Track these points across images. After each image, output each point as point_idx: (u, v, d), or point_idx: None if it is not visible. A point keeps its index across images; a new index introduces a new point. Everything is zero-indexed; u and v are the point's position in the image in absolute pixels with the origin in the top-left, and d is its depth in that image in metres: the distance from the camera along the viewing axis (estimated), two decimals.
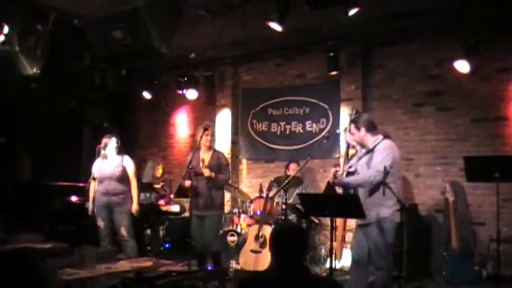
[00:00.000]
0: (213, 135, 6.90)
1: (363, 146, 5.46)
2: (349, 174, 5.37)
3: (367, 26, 7.61)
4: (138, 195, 7.29)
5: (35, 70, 6.92)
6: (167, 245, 8.99)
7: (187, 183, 6.57)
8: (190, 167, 6.61)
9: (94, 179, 7.09)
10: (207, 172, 6.57)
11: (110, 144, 7.09)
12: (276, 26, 6.59)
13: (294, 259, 2.99)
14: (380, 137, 5.38)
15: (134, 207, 7.07)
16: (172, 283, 4.64)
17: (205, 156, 6.75)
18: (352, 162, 5.58)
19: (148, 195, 8.84)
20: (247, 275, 3.45)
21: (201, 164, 6.65)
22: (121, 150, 7.20)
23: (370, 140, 5.36)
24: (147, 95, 10.11)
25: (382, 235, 5.18)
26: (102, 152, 7.07)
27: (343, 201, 5.18)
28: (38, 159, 10.02)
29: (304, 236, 3.14)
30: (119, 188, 7.00)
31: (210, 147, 6.84)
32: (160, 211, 8.86)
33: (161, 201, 8.94)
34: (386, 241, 5.19)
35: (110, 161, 7.08)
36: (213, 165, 6.70)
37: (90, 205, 7.13)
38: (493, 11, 6.87)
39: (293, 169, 8.26)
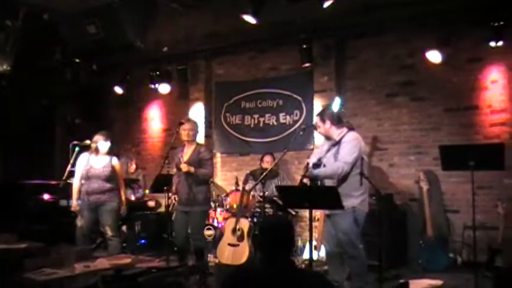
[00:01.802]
0: (193, 129, 6.79)
1: (328, 138, 5.60)
2: (316, 166, 5.42)
3: (341, 18, 7.63)
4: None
5: (5, 67, 6.78)
6: (143, 241, 8.92)
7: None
8: (166, 161, 6.60)
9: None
10: (184, 167, 6.51)
11: (105, 143, 6.97)
12: (250, 19, 6.58)
13: (282, 253, 3.00)
14: (345, 129, 5.53)
15: (124, 207, 7.03)
16: (154, 280, 4.63)
17: (188, 151, 6.73)
18: (318, 154, 5.65)
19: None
20: (233, 269, 3.45)
21: (180, 159, 6.63)
22: (111, 150, 7.10)
23: (336, 132, 5.52)
24: (118, 90, 10.03)
25: (350, 224, 5.32)
26: (93, 145, 6.94)
27: (322, 193, 5.21)
28: (9, 158, 9.83)
29: (293, 230, 3.16)
30: (105, 186, 6.85)
31: (191, 142, 6.79)
32: (135, 207, 8.78)
33: (132, 197, 8.87)
34: (354, 230, 5.33)
35: (99, 160, 6.95)
36: (193, 159, 6.64)
37: (74, 201, 6.95)
38: (465, 2, 6.97)
39: (267, 161, 8.28)
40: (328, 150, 5.47)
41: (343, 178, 5.28)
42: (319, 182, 5.42)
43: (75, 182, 6.99)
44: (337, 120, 5.56)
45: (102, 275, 5.14)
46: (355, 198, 5.29)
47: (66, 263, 5.31)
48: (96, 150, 6.95)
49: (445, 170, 6.07)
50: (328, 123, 5.52)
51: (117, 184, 7.04)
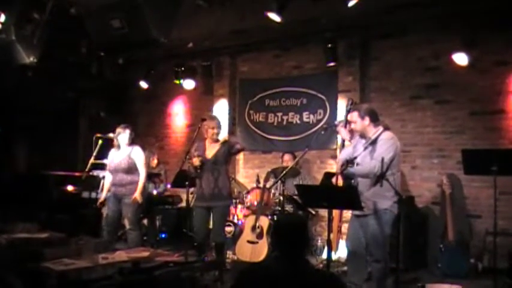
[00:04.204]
0: (219, 127, 6.70)
1: (363, 135, 5.45)
2: (350, 163, 5.33)
3: (366, 18, 7.59)
4: (144, 186, 7.24)
5: (31, 59, 6.86)
6: (163, 235, 9.00)
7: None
8: (187, 157, 6.55)
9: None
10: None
11: (124, 134, 7.06)
12: (275, 17, 6.56)
13: (295, 252, 3.00)
14: (381, 128, 5.37)
15: (136, 195, 7.03)
16: (170, 274, 4.65)
17: (211, 148, 6.62)
18: (349, 152, 5.55)
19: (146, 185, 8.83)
20: (248, 266, 3.44)
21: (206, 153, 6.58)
22: (133, 141, 7.17)
23: (372, 130, 5.34)
24: (144, 84, 10.10)
25: (381, 226, 5.20)
26: (115, 140, 7.06)
27: (341, 193, 5.16)
28: (34, 149, 9.98)
29: (307, 230, 3.14)
30: (126, 179, 6.95)
31: (217, 140, 6.66)
32: (157, 201, 8.85)
33: (154, 191, 8.93)
34: (384, 232, 5.21)
35: (120, 152, 7.05)
36: (220, 154, 6.54)
37: (102, 195, 7.18)
38: (492, 3, 6.86)
39: (286, 160, 8.27)
40: (365, 148, 5.32)
41: (378, 178, 5.07)
42: (353, 181, 5.32)
43: (106, 177, 7.23)
44: (375, 118, 5.39)
45: (120, 267, 5.19)
46: (388, 200, 5.14)
47: (84, 254, 5.38)
48: (118, 145, 7.07)
49: (467, 174, 5.98)
50: (367, 120, 5.32)
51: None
